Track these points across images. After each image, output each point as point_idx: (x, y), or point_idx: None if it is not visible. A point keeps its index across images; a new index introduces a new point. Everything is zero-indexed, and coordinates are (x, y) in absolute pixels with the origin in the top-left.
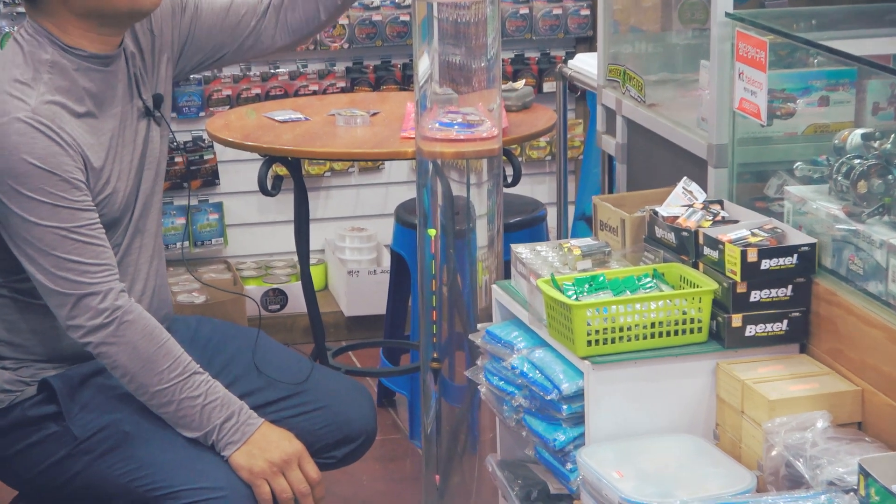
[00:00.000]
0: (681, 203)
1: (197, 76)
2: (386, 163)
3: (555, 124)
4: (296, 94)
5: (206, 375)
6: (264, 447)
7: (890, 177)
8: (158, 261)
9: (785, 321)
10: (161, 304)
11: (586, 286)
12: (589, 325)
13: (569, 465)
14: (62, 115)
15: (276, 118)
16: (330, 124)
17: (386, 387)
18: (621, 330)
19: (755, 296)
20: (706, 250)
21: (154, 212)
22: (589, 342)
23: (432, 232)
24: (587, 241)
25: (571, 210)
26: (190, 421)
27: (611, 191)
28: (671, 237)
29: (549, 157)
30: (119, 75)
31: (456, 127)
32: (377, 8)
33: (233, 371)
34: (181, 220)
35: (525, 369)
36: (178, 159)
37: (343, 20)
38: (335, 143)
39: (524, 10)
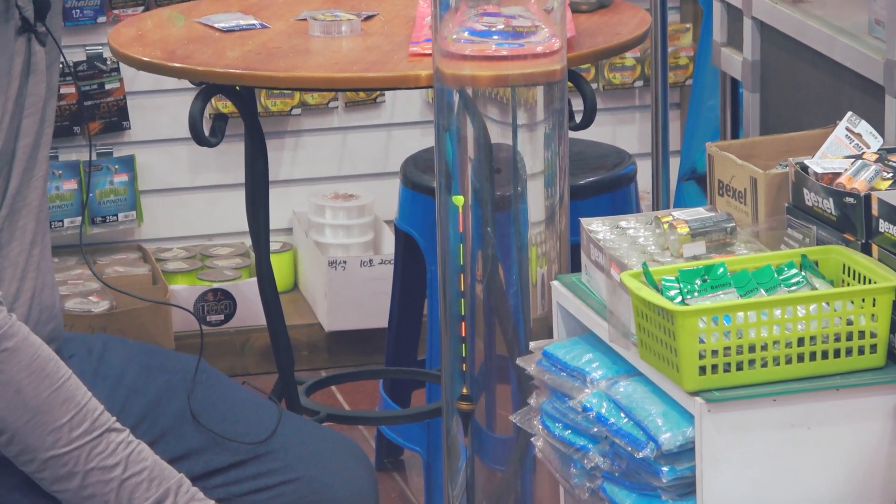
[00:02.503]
0: (844, 153)
1: None
2: (387, 94)
3: (648, 32)
4: None
5: (126, 433)
6: None
7: None
8: (41, 249)
9: None
10: (45, 314)
11: (698, 282)
12: (703, 342)
13: None
14: None
15: (216, 25)
16: (300, 35)
17: (390, 440)
18: (752, 350)
19: None
20: (883, 225)
21: (38, 177)
22: (703, 369)
23: (459, 200)
24: (699, 212)
25: (674, 165)
26: None
27: (735, 135)
28: (829, 205)
29: (639, 84)
30: None
31: (496, 37)
32: None
33: (159, 422)
34: (71, 185)
35: (604, 411)
36: (65, 90)
37: None
38: (308, 63)
39: None
